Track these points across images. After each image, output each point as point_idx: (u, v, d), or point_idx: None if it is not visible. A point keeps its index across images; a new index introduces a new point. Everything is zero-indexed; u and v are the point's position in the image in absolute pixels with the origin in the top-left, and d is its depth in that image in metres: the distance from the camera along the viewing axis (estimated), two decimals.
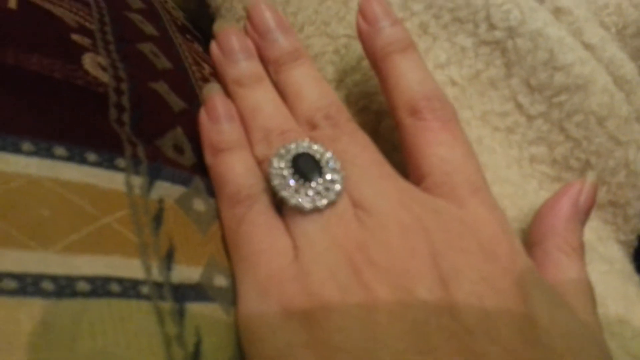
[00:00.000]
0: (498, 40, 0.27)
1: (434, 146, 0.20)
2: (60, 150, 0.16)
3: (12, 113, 0.16)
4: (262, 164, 0.20)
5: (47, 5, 0.21)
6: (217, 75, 0.26)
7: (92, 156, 0.16)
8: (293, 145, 0.19)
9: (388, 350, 0.15)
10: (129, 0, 0.27)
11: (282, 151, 0.19)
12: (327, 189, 0.18)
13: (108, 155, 0.17)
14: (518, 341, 0.16)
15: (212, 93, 0.22)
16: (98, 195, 0.16)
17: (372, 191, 0.18)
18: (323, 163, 0.19)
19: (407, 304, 0.16)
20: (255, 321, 0.17)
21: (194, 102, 0.23)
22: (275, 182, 0.19)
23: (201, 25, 0.35)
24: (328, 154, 0.19)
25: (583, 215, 0.23)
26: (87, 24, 0.22)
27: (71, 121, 0.17)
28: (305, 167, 0.19)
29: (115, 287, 0.14)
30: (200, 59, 0.29)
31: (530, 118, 0.27)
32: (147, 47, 0.24)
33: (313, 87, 0.23)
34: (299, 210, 0.18)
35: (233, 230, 0.19)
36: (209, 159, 0.21)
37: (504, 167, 0.27)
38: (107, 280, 0.14)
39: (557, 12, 0.28)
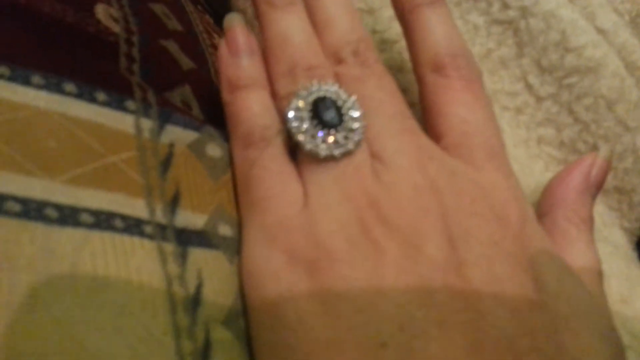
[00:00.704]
0: (511, 19, 0.27)
1: (454, 105, 0.20)
2: (69, 87, 0.16)
3: (24, 47, 0.15)
4: (282, 101, 0.19)
5: None
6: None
7: (101, 95, 0.16)
8: (316, 87, 0.18)
9: (392, 302, 0.15)
10: None
11: (304, 92, 0.18)
12: (346, 138, 0.18)
13: (118, 96, 0.16)
14: (524, 304, 0.16)
15: (234, 23, 0.21)
16: (106, 134, 0.15)
17: (392, 145, 0.18)
18: (345, 110, 0.18)
19: (414, 260, 0.16)
20: (259, 266, 0.17)
21: (204, 65, 0.23)
22: (293, 124, 0.18)
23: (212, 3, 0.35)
24: (351, 100, 0.18)
25: (594, 189, 0.22)
26: None
27: (82, 61, 0.17)
28: (326, 112, 0.18)
29: (118, 223, 0.14)
30: (210, 29, 0.29)
31: (539, 99, 0.27)
32: (158, 8, 0.24)
33: (345, 17, 0.21)
34: (314, 157, 0.18)
35: (244, 173, 0.19)
36: (225, 95, 0.20)
37: (511, 147, 0.26)
38: (111, 215, 0.14)
39: None
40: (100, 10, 0.19)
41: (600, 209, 0.27)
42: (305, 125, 0.18)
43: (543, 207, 0.22)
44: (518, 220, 0.18)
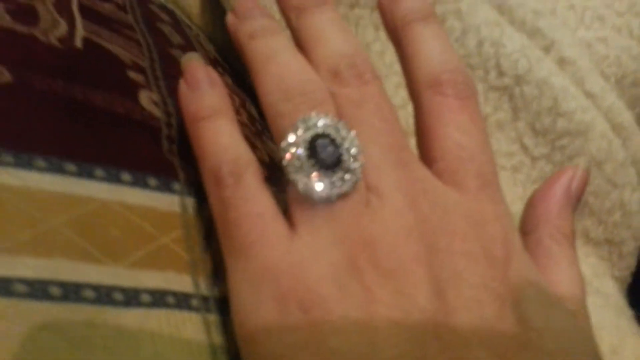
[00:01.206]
0: (506, 86, 0.29)
1: (450, 128, 0.19)
2: (126, 176, 0.18)
3: (85, 143, 0.18)
4: (273, 122, 0.19)
5: (106, 44, 0.23)
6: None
7: (152, 181, 0.18)
8: (314, 120, 0.17)
9: (384, 355, 0.15)
10: (171, 37, 0.30)
11: (301, 125, 0.17)
12: (343, 179, 0.17)
13: (165, 179, 0.19)
14: (511, 345, 0.16)
15: (192, 61, 0.21)
16: (157, 217, 0.18)
17: (389, 180, 0.18)
18: (344, 150, 0.17)
19: (406, 311, 0.16)
20: (250, 318, 0.16)
21: None
22: (287, 161, 0.17)
23: (229, 58, 0.38)
24: (351, 137, 0.17)
25: (575, 202, 0.23)
26: (139, 61, 0.24)
27: (133, 149, 0.19)
28: (324, 152, 0.17)
29: (171, 300, 0.16)
30: (230, 91, 0.31)
31: (534, 159, 0.29)
32: None
33: (337, 32, 0.20)
34: (307, 197, 0.17)
35: (220, 216, 0.18)
36: (189, 129, 0.19)
37: (509, 204, 0.29)
38: (165, 293, 0.16)
39: (562, 61, 0.30)
40: (144, 97, 0.22)
41: (592, 260, 0.29)
42: (300, 164, 0.17)
43: (526, 224, 0.22)
44: (506, 256, 0.18)
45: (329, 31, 0.20)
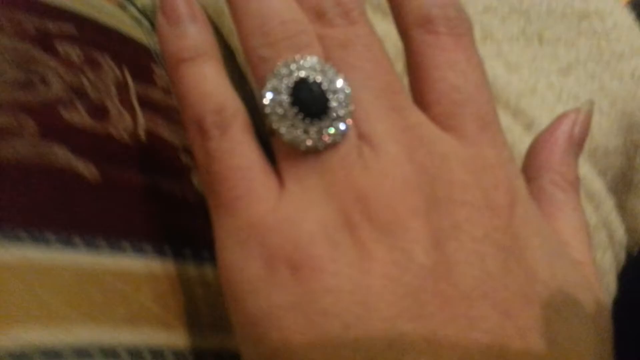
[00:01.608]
0: None
1: (444, 69, 0.18)
2: (187, 251, 0.22)
3: (160, 227, 0.22)
4: (255, 68, 0.17)
5: (162, 131, 0.28)
6: None
7: (206, 253, 0.23)
8: (297, 62, 0.16)
9: (379, 315, 0.15)
10: None
11: (283, 70, 0.16)
12: (331, 127, 0.16)
13: (209, 253, 0.23)
14: (517, 302, 0.16)
15: None
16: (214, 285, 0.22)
17: (381, 127, 0.17)
18: (331, 95, 0.16)
19: (402, 267, 0.15)
20: (236, 277, 0.16)
21: None
22: (268, 109, 0.16)
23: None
24: (339, 82, 0.16)
25: (577, 147, 0.22)
26: (187, 142, 0.29)
27: (193, 229, 0.23)
28: (310, 99, 0.16)
29: None
30: None
31: None
32: None
33: None
34: (294, 148, 0.16)
35: (204, 168, 0.17)
36: (169, 73, 0.18)
37: None
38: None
39: (530, 126, 0.34)
40: (196, 180, 0.26)
41: None
42: (284, 112, 0.16)
43: (528, 171, 0.21)
44: (509, 203, 0.17)
45: None
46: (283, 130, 0.16)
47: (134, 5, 0.56)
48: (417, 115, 0.18)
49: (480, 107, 0.18)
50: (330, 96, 0.16)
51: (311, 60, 0.16)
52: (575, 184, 0.21)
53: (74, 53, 0.27)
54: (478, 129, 0.18)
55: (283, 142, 0.16)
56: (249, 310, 0.15)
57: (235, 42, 0.51)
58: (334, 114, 0.16)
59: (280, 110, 0.16)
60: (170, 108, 0.30)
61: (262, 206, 0.16)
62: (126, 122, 0.26)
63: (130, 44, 0.34)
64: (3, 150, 0.20)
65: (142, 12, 0.56)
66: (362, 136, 0.17)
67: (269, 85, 0.16)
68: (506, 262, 0.16)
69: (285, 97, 0.16)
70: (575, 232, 0.20)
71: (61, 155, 0.22)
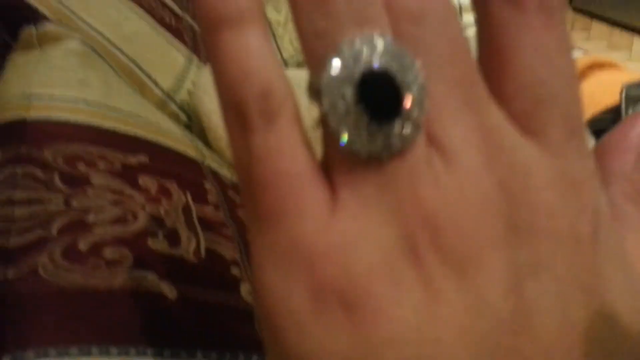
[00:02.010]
0: None
1: (529, 54, 0.15)
2: (227, 357, 0.29)
3: (204, 337, 0.29)
4: (308, 44, 0.14)
5: (217, 247, 0.35)
6: None
7: (254, 356, 0.30)
8: (366, 44, 0.13)
9: None
10: (242, 215, 0.42)
11: (348, 52, 0.13)
12: (401, 132, 0.13)
13: (260, 357, 0.30)
14: (597, 353, 0.14)
15: None
16: None
17: (457, 131, 0.14)
18: (405, 89, 0.13)
19: (477, 315, 0.13)
20: (277, 306, 0.13)
21: None
22: (326, 102, 0.13)
23: None
24: (414, 71, 0.13)
25: None
26: (235, 255, 0.36)
27: (238, 335, 0.30)
28: (381, 97, 0.13)
29: None
30: None
31: None
32: None
33: None
34: (353, 155, 0.13)
35: (244, 169, 0.14)
36: (205, 40, 0.14)
37: None
38: None
39: None
40: (244, 289, 0.33)
41: None
42: (346, 109, 0.13)
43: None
44: (593, 232, 0.15)
45: None
46: (343, 132, 0.13)
47: (174, 101, 0.64)
48: (496, 115, 0.15)
49: (569, 108, 0.15)
50: (404, 93, 0.13)
51: (384, 41, 0.13)
52: None
53: (151, 185, 0.35)
54: (564, 136, 0.15)
55: (341, 145, 0.13)
56: (291, 350, 0.13)
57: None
58: (408, 115, 0.13)
59: (341, 107, 0.13)
60: (220, 223, 0.38)
61: (312, 224, 0.13)
62: (192, 245, 0.33)
63: (187, 164, 0.42)
64: (113, 278, 0.27)
65: (180, 107, 0.65)
66: (432, 139, 0.14)
67: (329, 71, 0.13)
68: (589, 308, 0.14)
69: (350, 91, 0.13)
70: None
71: (150, 279, 0.29)
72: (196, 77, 0.67)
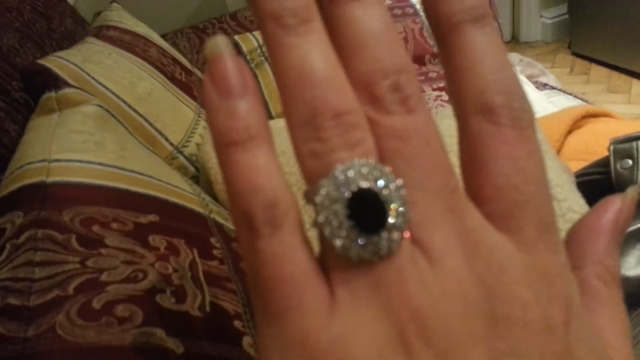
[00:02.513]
0: None
1: (503, 164, 0.16)
2: None
3: None
4: (303, 160, 0.16)
5: (221, 303, 0.37)
6: None
7: None
8: (353, 169, 0.15)
9: None
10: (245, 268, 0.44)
11: (340, 177, 0.15)
12: (387, 240, 0.15)
13: None
14: None
15: (220, 49, 0.16)
16: None
17: (439, 234, 0.15)
18: (388, 204, 0.15)
19: None
20: None
21: None
22: (322, 217, 0.15)
23: None
24: (397, 189, 0.15)
25: (620, 236, 0.20)
26: (238, 309, 0.38)
27: None
28: (369, 213, 0.15)
29: None
30: None
31: None
32: None
33: (382, 38, 0.16)
34: (346, 259, 0.15)
35: (252, 269, 0.16)
36: (217, 152, 0.16)
37: None
38: None
39: None
40: (245, 343, 0.35)
41: None
42: (339, 224, 0.15)
43: (573, 259, 0.19)
44: (566, 320, 0.16)
45: (370, 36, 0.16)
46: (337, 242, 0.15)
47: (183, 154, 0.68)
48: (474, 217, 0.16)
49: (540, 208, 0.16)
50: (388, 208, 0.15)
51: (368, 165, 0.15)
52: (617, 277, 0.19)
53: (160, 243, 0.38)
54: (537, 233, 0.16)
55: (336, 252, 0.15)
56: None
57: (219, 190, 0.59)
58: (393, 224, 0.15)
59: (335, 222, 0.15)
60: (224, 278, 0.40)
61: (314, 321, 0.15)
62: (198, 300, 0.35)
63: (194, 219, 0.45)
64: (124, 334, 0.30)
65: (189, 159, 0.68)
66: (417, 242, 0.15)
67: (323, 191, 0.15)
68: None
69: (342, 209, 0.15)
70: (618, 333, 0.18)
71: (159, 335, 0.31)
72: (204, 130, 0.70)
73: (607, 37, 2.12)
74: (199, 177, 0.67)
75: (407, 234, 0.15)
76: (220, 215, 0.50)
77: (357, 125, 0.16)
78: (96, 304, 0.30)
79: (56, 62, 0.56)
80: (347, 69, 0.16)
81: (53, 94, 0.50)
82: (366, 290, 0.15)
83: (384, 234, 0.15)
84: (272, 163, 0.16)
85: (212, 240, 0.44)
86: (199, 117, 0.74)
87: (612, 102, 1.97)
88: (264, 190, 0.15)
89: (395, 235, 0.15)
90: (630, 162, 0.52)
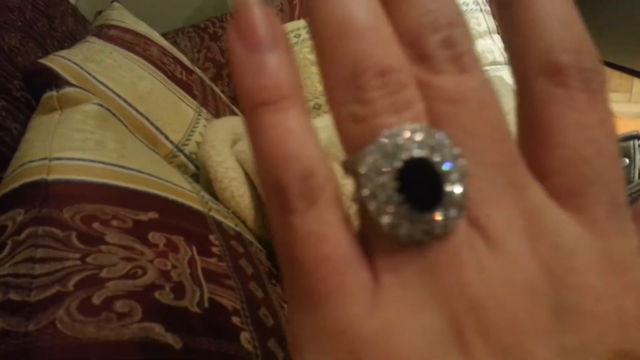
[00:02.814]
0: None
1: (572, 133, 0.14)
2: None
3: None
4: (342, 124, 0.14)
5: (219, 299, 0.38)
6: None
7: None
8: (404, 136, 0.13)
9: None
10: (246, 269, 0.44)
11: (388, 144, 0.13)
12: (442, 217, 0.13)
13: None
14: None
15: (249, 4, 0.14)
16: None
17: (499, 214, 0.14)
18: (445, 176, 0.13)
19: None
20: None
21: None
22: (367, 191, 0.13)
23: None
24: (454, 158, 0.13)
25: None
26: (237, 305, 0.38)
27: None
28: (422, 187, 0.13)
29: None
30: (283, 301, 0.46)
31: None
32: (262, 312, 0.40)
33: None
34: (394, 241, 0.13)
35: (285, 249, 0.14)
36: (245, 113, 0.14)
37: None
38: None
39: None
40: (243, 338, 0.36)
41: None
42: (387, 198, 0.13)
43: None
44: (637, 314, 0.14)
45: None
46: (385, 220, 0.13)
47: (183, 152, 0.68)
48: (537, 195, 0.14)
49: (612, 187, 0.14)
50: (444, 179, 0.13)
51: (421, 130, 0.13)
52: None
53: (159, 240, 0.38)
54: (607, 214, 0.14)
55: (382, 231, 0.13)
56: None
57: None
58: (449, 200, 0.13)
59: (382, 196, 0.13)
60: (222, 275, 0.41)
61: (356, 308, 0.13)
62: (196, 297, 0.36)
63: (193, 217, 0.45)
64: (123, 330, 0.30)
65: (189, 158, 0.69)
66: (474, 222, 0.14)
67: (368, 159, 0.13)
68: None
69: (391, 181, 0.13)
70: None
71: (157, 330, 0.31)
72: (204, 129, 0.71)
73: (608, 36, 2.12)
74: (199, 175, 0.67)
75: (464, 209, 0.13)
76: (219, 213, 0.51)
77: (406, 85, 0.14)
78: (96, 300, 0.31)
79: (57, 62, 0.57)
80: (392, 23, 0.14)
81: (54, 93, 0.50)
82: (416, 275, 0.13)
83: (439, 212, 0.13)
84: (307, 128, 0.14)
85: (211, 237, 0.44)
86: (199, 115, 0.74)
87: (613, 101, 1.97)
88: (298, 159, 0.14)
89: (452, 213, 0.13)
90: (627, 160, 0.52)
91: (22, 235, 0.34)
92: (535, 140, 0.15)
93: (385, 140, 0.13)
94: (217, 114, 0.82)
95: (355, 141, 0.14)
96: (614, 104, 1.92)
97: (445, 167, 0.13)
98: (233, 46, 0.14)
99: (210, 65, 1.17)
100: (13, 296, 0.29)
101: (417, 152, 0.13)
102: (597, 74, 0.14)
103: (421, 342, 0.13)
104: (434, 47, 0.14)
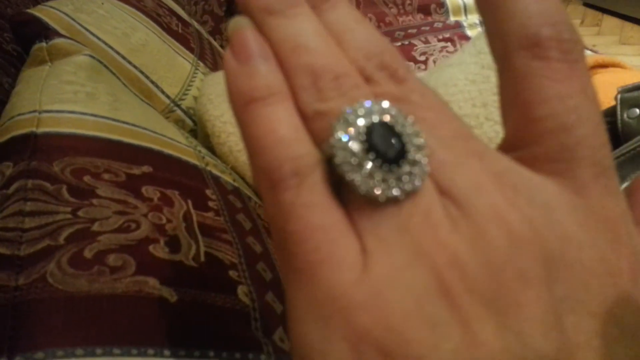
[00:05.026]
0: None
1: (553, 104, 0.14)
2: (237, 355, 0.31)
3: (202, 338, 0.31)
4: (311, 122, 0.15)
5: (216, 253, 0.37)
6: None
7: (251, 355, 0.32)
8: (365, 106, 0.14)
9: None
10: (244, 224, 0.44)
11: (350, 115, 0.14)
12: (409, 174, 0.14)
13: (254, 355, 0.32)
14: None
15: (242, 26, 0.16)
16: None
17: (463, 177, 0.14)
18: (406, 137, 0.14)
19: (518, 357, 0.12)
20: (315, 357, 0.13)
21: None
22: (339, 158, 0.14)
23: None
24: (410, 123, 0.14)
25: None
26: (234, 259, 0.38)
27: (235, 336, 0.32)
28: (385, 142, 0.14)
29: None
30: None
31: None
32: (260, 266, 0.40)
33: (360, 26, 0.17)
34: (372, 201, 0.14)
35: (278, 226, 0.15)
36: (237, 113, 0.15)
37: None
38: None
39: None
40: (240, 292, 0.35)
41: None
42: (359, 161, 0.14)
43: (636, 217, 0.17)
44: (630, 269, 0.14)
45: (349, 25, 0.17)
46: (359, 181, 0.14)
47: (180, 107, 0.67)
48: (502, 160, 0.15)
49: (596, 150, 0.15)
50: (406, 139, 0.14)
51: (377, 104, 0.15)
52: None
53: (154, 194, 0.37)
54: (592, 176, 0.14)
55: (359, 194, 0.14)
56: None
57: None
58: (412, 158, 0.14)
59: (353, 160, 0.14)
60: (220, 229, 0.40)
61: (347, 274, 0.13)
62: (192, 251, 0.35)
63: (189, 171, 0.44)
64: (116, 283, 0.30)
65: (186, 113, 0.67)
66: (443, 192, 0.14)
67: (337, 134, 0.14)
68: (631, 348, 0.13)
69: (358, 144, 0.14)
70: None
71: (151, 284, 0.31)
72: (201, 83, 0.69)
73: None
74: (197, 130, 0.66)
75: (428, 166, 0.14)
76: (216, 168, 0.50)
77: (358, 85, 0.16)
78: (88, 254, 0.30)
79: (46, 12, 0.55)
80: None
81: (44, 44, 0.48)
82: (394, 234, 0.14)
83: (406, 166, 0.14)
84: (296, 119, 0.15)
85: (208, 192, 0.43)
86: (196, 69, 0.72)
87: (624, 54, 1.92)
88: (289, 142, 0.15)
89: (418, 169, 0.14)
90: (637, 111, 0.51)
91: (11, 189, 0.33)
92: (516, 115, 0.15)
93: (348, 115, 0.14)
94: (215, 67, 0.80)
95: (323, 132, 0.15)
96: (624, 57, 1.88)
97: (403, 128, 0.14)
98: (227, 63, 0.16)
99: (208, 19, 1.13)
100: (2, 250, 0.29)
101: (376, 118, 0.14)
102: (575, 43, 0.15)
103: (409, 301, 0.13)
104: (372, 70, 0.16)
